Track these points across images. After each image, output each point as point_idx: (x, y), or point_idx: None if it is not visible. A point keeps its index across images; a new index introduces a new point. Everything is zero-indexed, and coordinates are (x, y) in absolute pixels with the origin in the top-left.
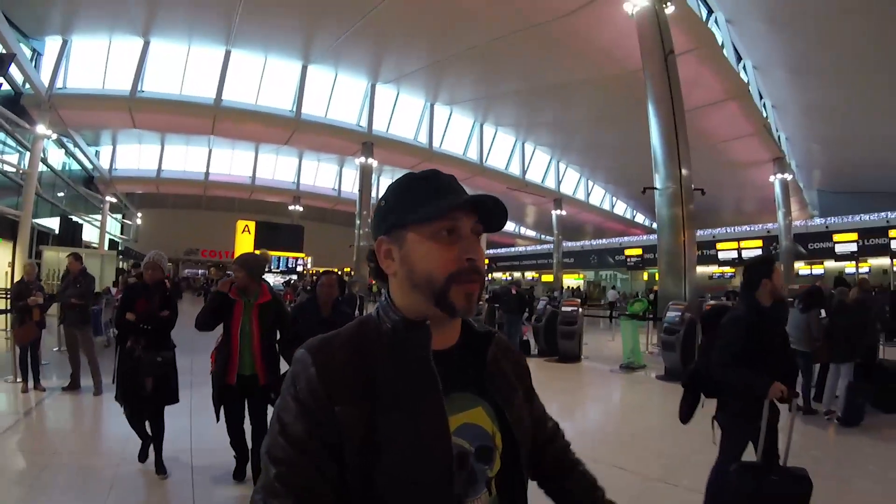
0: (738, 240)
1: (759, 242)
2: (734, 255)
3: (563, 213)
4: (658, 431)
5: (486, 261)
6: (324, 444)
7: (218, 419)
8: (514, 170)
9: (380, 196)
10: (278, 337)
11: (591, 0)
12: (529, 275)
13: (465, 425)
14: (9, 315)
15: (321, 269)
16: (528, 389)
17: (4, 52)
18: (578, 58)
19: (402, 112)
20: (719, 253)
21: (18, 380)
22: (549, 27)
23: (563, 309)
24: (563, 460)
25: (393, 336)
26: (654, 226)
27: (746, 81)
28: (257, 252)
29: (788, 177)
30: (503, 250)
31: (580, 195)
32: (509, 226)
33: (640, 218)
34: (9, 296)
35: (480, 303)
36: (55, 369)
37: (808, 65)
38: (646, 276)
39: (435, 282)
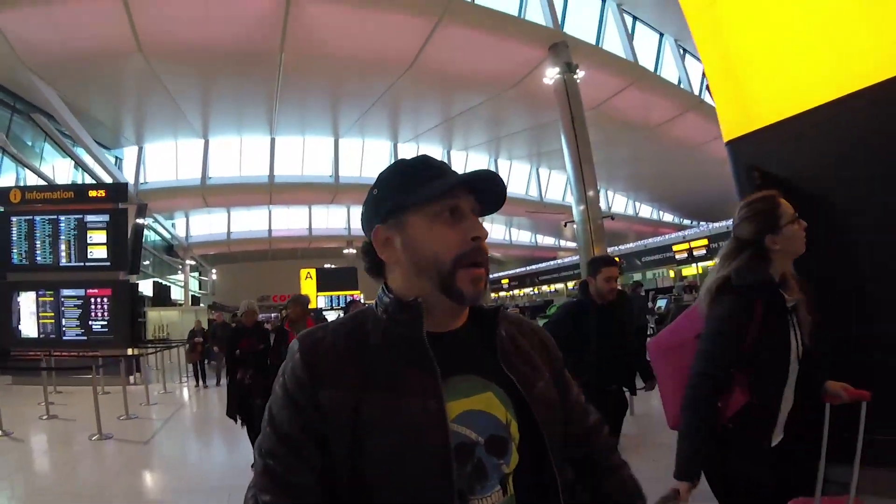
0: (689, 241)
1: (705, 241)
2: (685, 255)
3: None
4: None
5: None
6: (309, 434)
7: None
8: (533, 193)
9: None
10: None
11: (526, 75)
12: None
13: (470, 412)
14: (182, 347)
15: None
16: (559, 376)
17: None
18: (552, 107)
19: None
20: (676, 255)
21: (191, 382)
22: (511, 92)
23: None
24: (600, 461)
25: (386, 319)
26: (684, 222)
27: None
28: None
29: None
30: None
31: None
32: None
33: (667, 217)
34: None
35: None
36: (212, 376)
37: None
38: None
39: (441, 265)
